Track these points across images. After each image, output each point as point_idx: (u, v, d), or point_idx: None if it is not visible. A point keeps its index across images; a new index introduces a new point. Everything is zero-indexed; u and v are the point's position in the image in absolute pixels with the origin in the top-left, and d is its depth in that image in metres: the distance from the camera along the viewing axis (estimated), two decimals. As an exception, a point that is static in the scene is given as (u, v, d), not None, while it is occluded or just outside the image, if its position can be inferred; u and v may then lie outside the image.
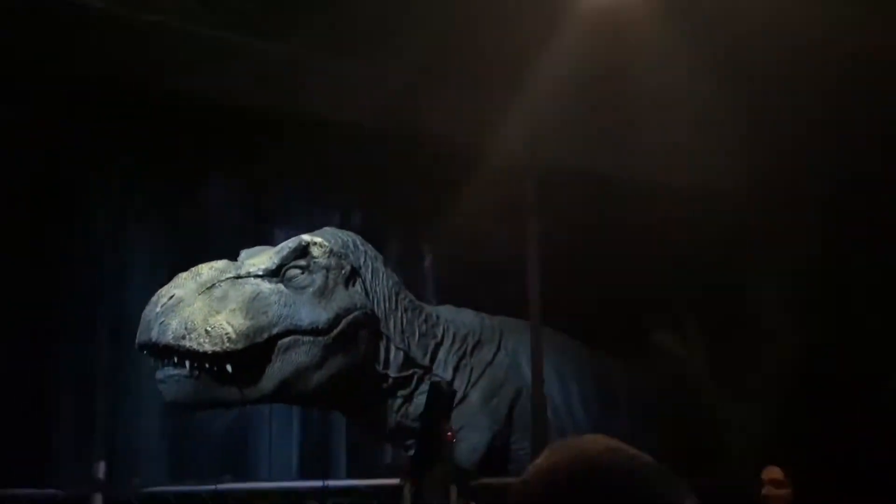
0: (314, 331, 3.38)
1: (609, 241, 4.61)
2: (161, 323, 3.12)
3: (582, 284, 4.59)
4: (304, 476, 4.26)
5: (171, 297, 3.19)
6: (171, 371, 3.16)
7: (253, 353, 3.23)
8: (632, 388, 4.42)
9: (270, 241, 4.43)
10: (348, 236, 3.76)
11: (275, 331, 3.29)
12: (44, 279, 3.58)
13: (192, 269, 3.36)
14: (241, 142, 4.67)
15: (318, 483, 3.17)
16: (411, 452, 3.78)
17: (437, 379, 3.48)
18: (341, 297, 3.52)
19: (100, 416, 3.88)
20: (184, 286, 3.27)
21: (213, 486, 3.11)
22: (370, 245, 3.83)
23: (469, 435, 3.67)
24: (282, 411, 4.37)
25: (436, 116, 4.63)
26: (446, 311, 4.12)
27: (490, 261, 4.69)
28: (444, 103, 4.59)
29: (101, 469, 2.95)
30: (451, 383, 3.21)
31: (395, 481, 3.14)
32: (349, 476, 3.96)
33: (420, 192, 4.78)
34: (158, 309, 3.17)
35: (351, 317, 3.48)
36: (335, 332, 3.42)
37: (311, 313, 3.39)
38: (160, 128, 4.49)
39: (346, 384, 3.48)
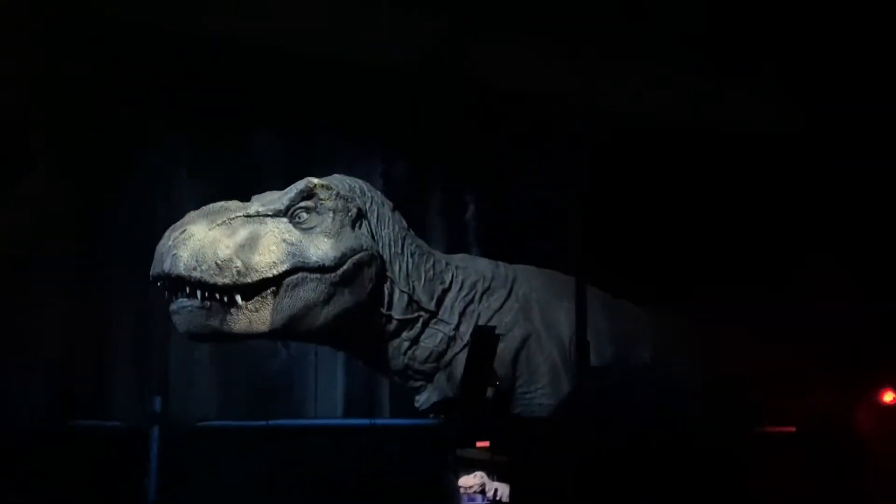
0: (321, 268, 3.48)
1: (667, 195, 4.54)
2: (173, 255, 3.25)
3: (631, 239, 4.56)
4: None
5: (183, 231, 3.34)
6: (184, 302, 3.30)
7: (262, 287, 3.35)
8: (654, 332, 4.29)
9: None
10: (355, 182, 3.84)
11: (283, 267, 3.40)
12: (103, 220, 3.71)
13: (203, 207, 3.49)
14: (284, 90, 4.73)
15: (365, 421, 3.28)
16: (420, 394, 3.87)
17: (482, 324, 3.53)
18: (348, 238, 3.61)
19: (156, 353, 4.06)
20: (195, 222, 3.40)
21: (264, 422, 3.23)
22: (379, 193, 3.90)
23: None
24: (327, 354, 4.50)
25: (482, 61, 4.62)
26: (459, 259, 4.14)
27: (535, 212, 4.71)
28: (489, 48, 4.58)
29: (157, 403, 3.08)
30: (494, 328, 3.26)
31: (438, 422, 3.22)
32: (393, 417, 4.05)
33: (464, 141, 4.80)
34: (170, 242, 3.30)
35: (357, 256, 3.58)
36: (341, 270, 3.52)
37: (318, 251, 3.50)
38: (204, 75, 4.56)
39: (352, 322, 3.59)
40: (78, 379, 4.12)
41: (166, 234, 3.37)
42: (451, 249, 4.74)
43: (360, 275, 3.60)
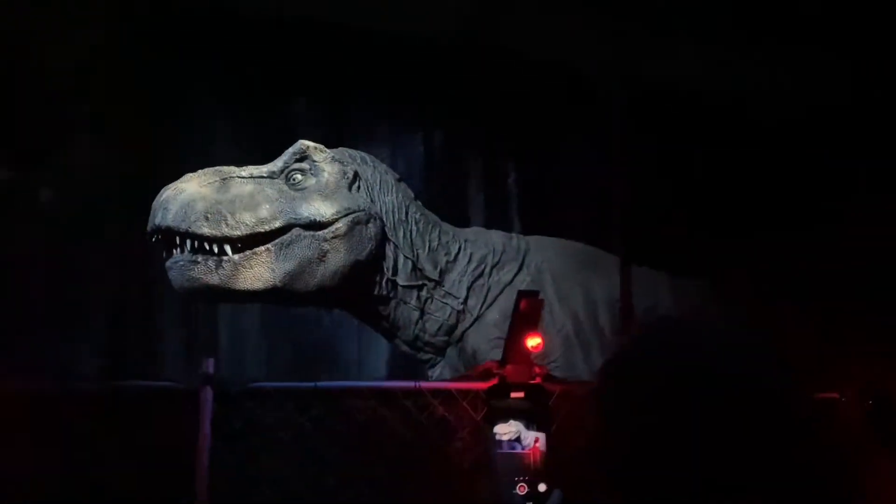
0: (313, 224, 3.54)
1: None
2: (164, 209, 3.37)
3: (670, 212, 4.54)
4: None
5: (175, 189, 3.39)
6: (177, 258, 3.41)
7: (253, 243, 3.42)
8: (676, 301, 4.22)
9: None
10: (357, 153, 3.88)
11: (275, 224, 3.47)
12: (152, 186, 3.77)
13: (199, 170, 3.57)
14: (322, 60, 4.76)
15: (410, 383, 3.33)
16: (432, 369, 3.90)
17: (525, 288, 3.55)
18: (343, 198, 3.64)
19: (206, 316, 4.16)
20: (188, 181, 3.50)
21: (312, 384, 3.30)
22: (383, 164, 3.93)
23: (485, 357, 3.74)
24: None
25: (520, 28, 4.61)
26: (469, 232, 4.14)
27: (574, 181, 4.70)
28: (527, 14, 4.56)
29: (210, 365, 3.16)
30: (538, 292, 3.28)
31: (481, 385, 3.26)
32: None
33: (505, 110, 4.80)
34: (162, 197, 3.43)
35: (352, 215, 3.62)
36: (334, 227, 3.57)
37: (310, 208, 3.56)
38: (242, 46, 4.60)
39: (351, 282, 3.64)
40: (130, 341, 4.24)
41: (160, 192, 3.46)
42: (490, 218, 4.78)
43: (355, 233, 3.61)
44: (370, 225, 3.64)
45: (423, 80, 4.89)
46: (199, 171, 3.58)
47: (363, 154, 3.90)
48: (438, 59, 4.85)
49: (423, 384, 3.33)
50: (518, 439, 2.94)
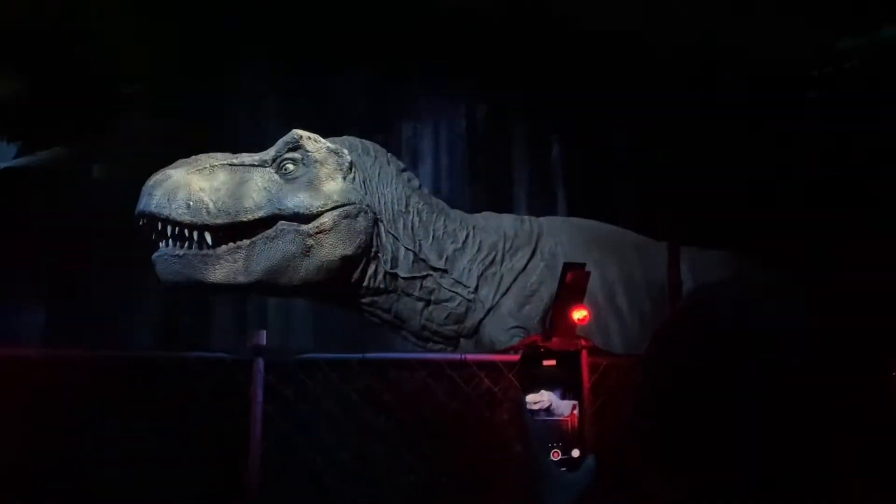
0: (297, 216, 3.49)
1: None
2: (149, 194, 3.41)
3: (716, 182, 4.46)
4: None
5: (163, 174, 3.42)
6: (162, 251, 3.44)
7: (236, 233, 3.42)
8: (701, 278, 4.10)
9: (394, 133, 4.55)
10: (360, 142, 3.81)
11: (258, 214, 3.46)
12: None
13: (192, 157, 3.58)
14: (367, 31, 4.76)
15: (456, 356, 3.38)
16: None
17: (570, 261, 3.56)
18: (333, 190, 3.57)
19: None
20: (178, 167, 3.51)
21: (360, 355, 3.36)
22: (386, 154, 3.84)
23: (504, 346, 3.70)
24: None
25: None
26: (479, 217, 4.04)
27: (619, 155, 4.66)
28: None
29: (262, 337, 3.24)
30: (584, 265, 3.28)
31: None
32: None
33: (552, 84, 4.77)
34: (150, 183, 3.46)
35: (340, 209, 3.56)
36: (319, 221, 3.52)
37: (295, 200, 3.50)
38: (292, 18, 4.62)
39: (339, 277, 3.59)
40: (184, 314, 4.37)
41: (150, 176, 3.49)
42: (533, 192, 4.76)
43: (342, 228, 3.55)
44: (360, 218, 3.58)
45: (472, 53, 4.86)
46: (193, 156, 3.58)
47: (367, 144, 3.84)
48: (488, 31, 4.81)
49: (469, 356, 3.37)
50: (549, 409, 2.96)
